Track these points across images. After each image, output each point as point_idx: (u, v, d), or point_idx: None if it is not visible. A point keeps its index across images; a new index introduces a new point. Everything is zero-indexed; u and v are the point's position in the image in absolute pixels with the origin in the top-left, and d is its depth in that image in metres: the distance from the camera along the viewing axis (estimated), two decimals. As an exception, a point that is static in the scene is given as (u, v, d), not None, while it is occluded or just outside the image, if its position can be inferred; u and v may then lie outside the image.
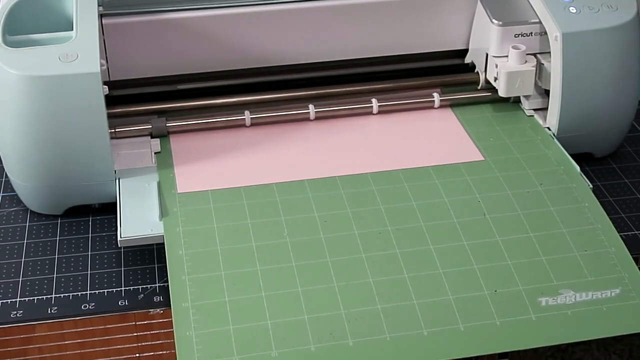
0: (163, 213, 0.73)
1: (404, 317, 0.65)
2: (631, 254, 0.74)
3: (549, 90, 0.82)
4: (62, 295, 0.71)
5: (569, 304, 0.67)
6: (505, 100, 0.86)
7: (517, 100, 0.87)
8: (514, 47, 0.82)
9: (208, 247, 0.70)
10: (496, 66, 0.84)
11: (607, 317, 0.66)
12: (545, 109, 0.84)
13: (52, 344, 0.70)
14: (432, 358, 0.63)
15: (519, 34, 0.83)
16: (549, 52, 0.81)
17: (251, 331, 0.64)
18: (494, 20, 0.83)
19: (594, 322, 0.66)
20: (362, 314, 0.65)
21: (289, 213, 0.73)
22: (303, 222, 0.72)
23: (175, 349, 0.71)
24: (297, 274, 0.68)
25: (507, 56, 0.83)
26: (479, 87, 0.88)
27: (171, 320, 0.70)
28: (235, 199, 0.74)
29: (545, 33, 0.82)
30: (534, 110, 0.85)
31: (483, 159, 0.79)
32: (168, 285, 0.68)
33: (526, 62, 0.83)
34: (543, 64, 0.82)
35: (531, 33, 0.83)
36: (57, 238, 0.77)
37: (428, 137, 0.83)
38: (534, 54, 0.83)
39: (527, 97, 0.85)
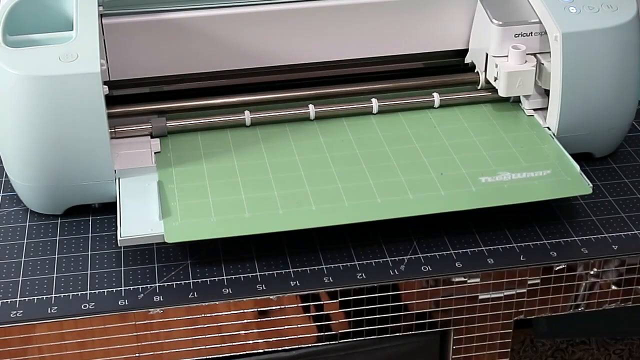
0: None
1: (360, 191, 0.76)
2: (631, 254, 0.75)
3: (549, 90, 0.82)
4: (62, 295, 0.71)
5: (505, 180, 0.77)
6: (505, 100, 0.87)
7: (517, 100, 0.87)
8: (514, 47, 0.82)
9: (193, 153, 0.80)
10: (496, 66, 0.84)
11: (538, 187, 0.77)
12: (545, 108, 0.84)
13: (52, 343, 0.70)
14: (384, 216, 0.74)
15: (519, 34, 0.83)
16: (549, 52, 0.81)
17: (227, 202, 0.75)
18: (494, 20, 0.83)
19: (527, 191, 0.77)
20: (325, 190, 0.77)
21: (266, 141, 0.82)
22: (279, 147, 0.82)
23: (172, 349, 0.72)
24: (269, 167, 0.79)
25: (507, 56, 0.83)
26: (479, 87, 0.88)
27: (171, 321, 0.70)
28: (219, 132, 0.84)
29: (545, 33, 0.82)
30: (534, 110, 0.85)
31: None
32: (168, 286, 0.68)
33: (526, 62, 0.83)
34: (543, 64, 0.82)
35: (531, 33, 0.83)
36: (57, 238, 0.77)
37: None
38: (534, 54, 0.83)
39: (527, 97, 0.85)
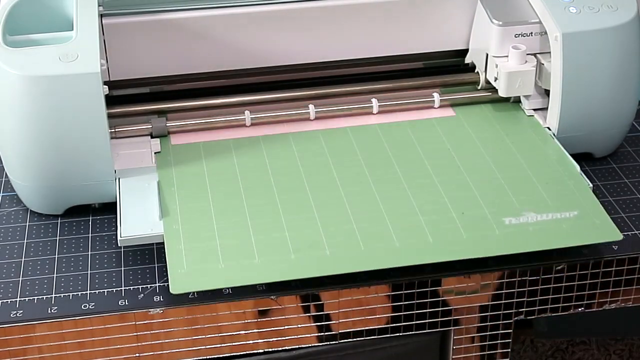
0: (158, 155, 0.79)
1: (377, 233, 0.71)
2: (631, 254, 0.75)
3: (549, 90, 0.82)
4: (62, 295, 0.71)
5: (530, 222, 0.73)
6: (505, 100, 0.87)
7: (517, 100, 0.87)
8: (514, 47, 0.82)
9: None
10: (496, 66, 0.84)
11: (565, 232, 0.72)
12: (545, 109, 0.84)
13: (51, 343, 0.70)
14: (402, 263, 0.69)
15: (519, 34, 0.83)
16: (549, 52, 0.81)
17: (236, 245, 0.71)
18: (494, 20, 0.83)
19: (553, 236, 0.72)
20: (339, 231, 0.72)
21: (273, 159, 0.79)
22: (286, 168, 0.79)
23: (172, 349, 0.72)
24: (280, 205, 0.74)
25: (507, 56, 0.83)
26: (479, 87, 0.88)
27: (171, 320, 0.70)
28: (223, 150, 0.81)
29: (545, 33, 0.82)
30: (534, 110, 0.85)
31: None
32: (168, 286, 0.68)
33: (526, 62, 0.83)
34: (543, 64, 0.82)
35: (531, 33, 0.83)
36: (57, 238, 0.77)
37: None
38: (534, 54, 0.83)
39: (527, 97, 0.85)
